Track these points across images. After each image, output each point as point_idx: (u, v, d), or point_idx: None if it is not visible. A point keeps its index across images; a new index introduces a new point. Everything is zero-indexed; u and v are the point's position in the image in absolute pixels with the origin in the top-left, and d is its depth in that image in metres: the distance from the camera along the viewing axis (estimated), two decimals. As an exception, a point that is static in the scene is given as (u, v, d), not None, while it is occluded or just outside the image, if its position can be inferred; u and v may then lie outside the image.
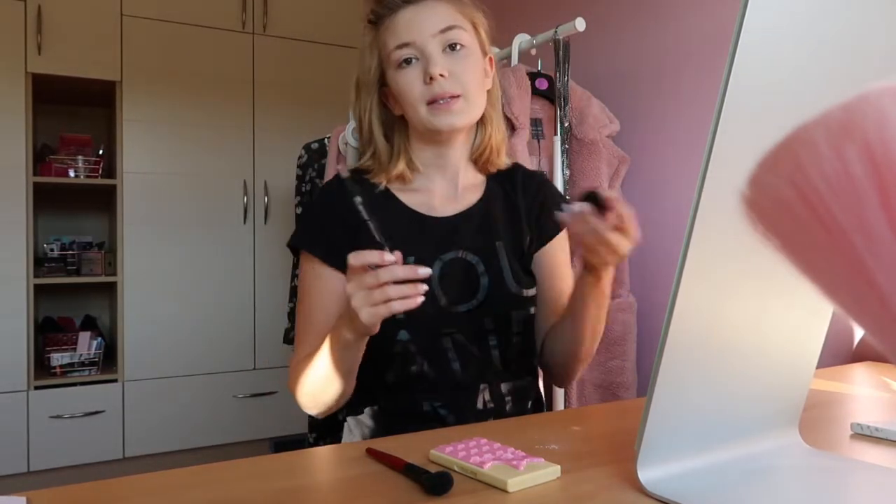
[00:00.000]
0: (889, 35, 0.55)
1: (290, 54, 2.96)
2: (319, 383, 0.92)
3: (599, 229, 0.80)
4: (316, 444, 1.77)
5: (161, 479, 0.67)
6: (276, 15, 2.94)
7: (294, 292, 2.09)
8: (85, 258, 2.76)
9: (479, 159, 1.06)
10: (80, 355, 2.67)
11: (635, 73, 2.01)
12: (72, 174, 2.73)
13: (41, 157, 2.72)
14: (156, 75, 2.73)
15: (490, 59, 1.05)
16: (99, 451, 2.62)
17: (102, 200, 2.99)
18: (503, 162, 1.08)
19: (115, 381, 2.68)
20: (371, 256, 0.76)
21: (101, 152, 2.86)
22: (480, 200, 1.05)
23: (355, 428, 1.03)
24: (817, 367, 0.73)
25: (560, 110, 1.78)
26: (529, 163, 1.74)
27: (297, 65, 2.97)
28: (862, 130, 0.25)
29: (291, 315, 2.13)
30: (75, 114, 3.05)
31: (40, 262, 2.73)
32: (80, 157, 2.75)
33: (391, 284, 0.76)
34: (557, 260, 1.08)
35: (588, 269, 0.90)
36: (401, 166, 1.02)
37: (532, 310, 1.04)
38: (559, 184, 1.76)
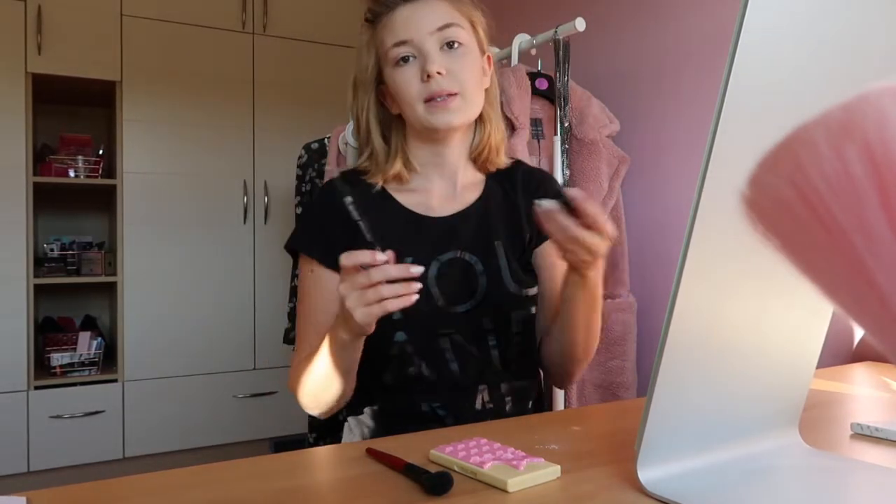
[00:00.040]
0: (889, 35, 0.55)
1: (290, 54, 2.96)
2: (319, 383, 0.92)
3: (568, 228, 0.79)
4: (316, 444, 1.77)
5: (161, 479, 0.67)
6: (276, 15, 2.94)
7: (294, 292, 2.09)
8: (85, 258, 2.76)
9: (478, 158, 1.06)
10: (80, 355, 2.67)
11: (635, 73, 2.01)
12: (72, 174, 2.73)
13: (41, 157, 2.72)
14: (156, 75, 2.73)
15: (488, 57, 1.04)
16: (99, 451, 2.62)
17: (102, 200, 2.99)
18: (503, 161, 1.08)
19: (115, 381, 2.68)
20: (363, 256, 0.76)
21: (101, 152, 2.86)
22: (479, 200, 1.04)
23: (356, 427, 1.03)
24: (817, 367, 0.73)
25: (560, 110, 1.78)
26: (529, 163, 1.74)
27: (297, 65, 2.97)
28: (862, 130, 0.25)
29: (291, 315, 2.14)
30: (75, 114, 3.05)
31: (40, 262, 2.73)
32: (80, 157, 2.75)
33: (384, 284, 0.76)
34: (557, 257, 1.08)
35: (572, 268, 0.89)
36: (397, 166, 1.02)
37: (533, 309, 1.03)
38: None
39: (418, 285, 0.77)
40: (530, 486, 0.62)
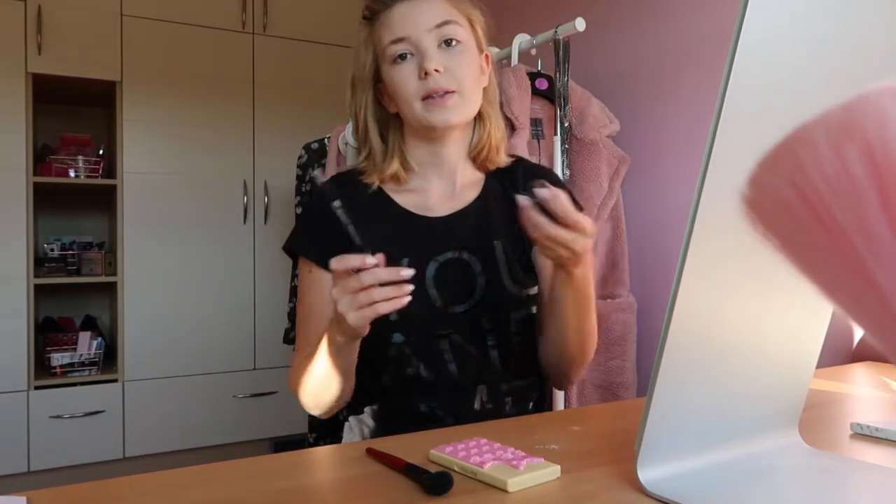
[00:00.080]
0: (889, 35, 0.55)
1: (290, 54, 2.96)
2: (319, 384, 0.92)
3: (542, 225, 0.78)
4: (316, 444, 1.77)
5: (161, 479, 0.67)
6: (276, 15, 2.94)
7: (294, 292, 2.10)
8: (85, 258, 2.76)
9: (477, 157, 1.05)
10: (81, 355, 2.67)
11: (635, 73, 2.01)
12: (72, 174, 2.73)
13: (41, 157, 2.72)
14: (156, 75, 2.73)
15: (486, 56, 1.04)
16: (99, 451, 2.62)
17: (102, 200, 2.99)
18: (503, 160, 1.07)
19: (115, 381, 2.68)
20: (352, 261, 0.76)
21: (101, 152, 2.86)
22: (478, 199, 1.04)
23: (356, 427, 1.03)
24: (817, 367, 0.73)
25: (560, 110, 1.78)
26: (529, 163, 1.74)
27: (297, 65, 2.97)
28: (862, 130, 0.25)
29: (291, 315, 2.14)
30: (75, 114, 3.05)
31: (40, 262, 2.73)
32: (80, 157, 2.75)
33: (376, 287, 0.76)
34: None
35: (558, 266, 0.88)
36: (394, 166, 1.01)
37: (533, 309, 1.03)
38: (559, 184, 1.76)
39: (410, 287, 0.77)
40: (530, 486, 0.62)
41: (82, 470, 2.59)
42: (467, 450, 0.68)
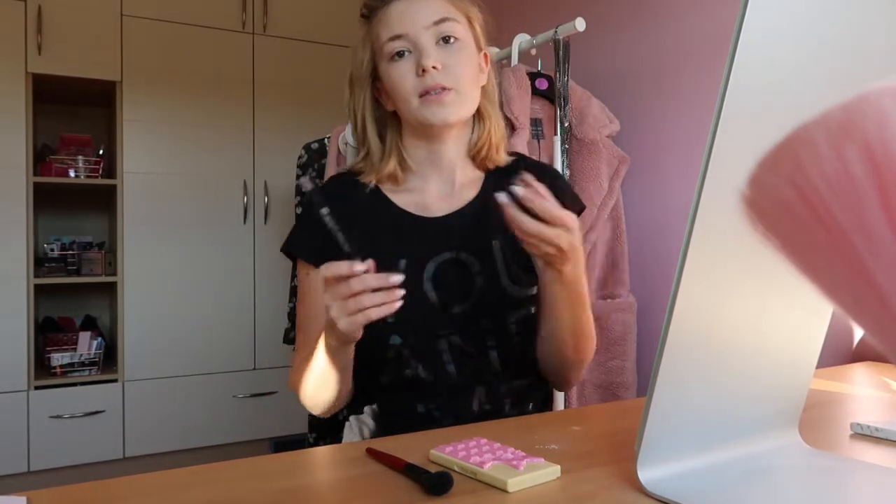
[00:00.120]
0: (889, 35, 0.55)
1: (290, 54, 2.96)
2: (317, 384, 0.92)
3: (522, 222, 0.78)
4: (316, 444, 1.77)
5: (161, 479, 0.67)
6: (276, 15, 2.94)
7: (294, 292, 2.09)
8: (85, 258, 2.76)
9: (477, 156, 1.04)
10: (81, 355, 2.67)
11: (635, 73, 2.01)
12: (72, 174, 2.73)
13: (41, 157, 2.72)
14: (156, 75, 2.73)
15: (485, 54, 1.03)
16: (99, 451, 2.62)
17: (102, 200, 2.99)
18: (503, 158, 1.05)
19: (115, 381, 2.68)
20: (341, 267, 0.76)
21: (101, 152, 2.86)
22: (476, 198, 1.02)
23: (356, 427, 1.03)
24: (817, 367, 0.73)
25: (560, 110, 1.78)
26: (529, 163, 1.74)
27: (297, 65, 2.97)
28: (862, 130, 0.25)
29: (291, 315, 2.14)
30: (75, 114, 3.05)
31: (40, 262, 2.73)
32: (80, 157, 2.75)
33: (366, 293, 0.76)
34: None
35: (547, 265, 0.88)
36: (391, 165, 1.00)
37: (533, 309, 1.03)
38: (559, 184, 1.76)
39: (401, 292, 0.77)
40: (530, 486, 0.62)
41: (82, 470, 2.59)
42: (467, 450, 0.68)
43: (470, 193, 1.03)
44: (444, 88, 0.93)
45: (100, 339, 2.74)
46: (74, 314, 3.01)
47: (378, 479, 0.66)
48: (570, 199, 1.04)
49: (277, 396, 2.88)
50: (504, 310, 0.98)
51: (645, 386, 1.81)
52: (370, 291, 0.76)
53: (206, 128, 2.82)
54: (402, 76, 0.95)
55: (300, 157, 2.21)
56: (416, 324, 0.95)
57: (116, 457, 2.65)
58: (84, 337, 2.70)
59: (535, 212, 0.78)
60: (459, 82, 0.95)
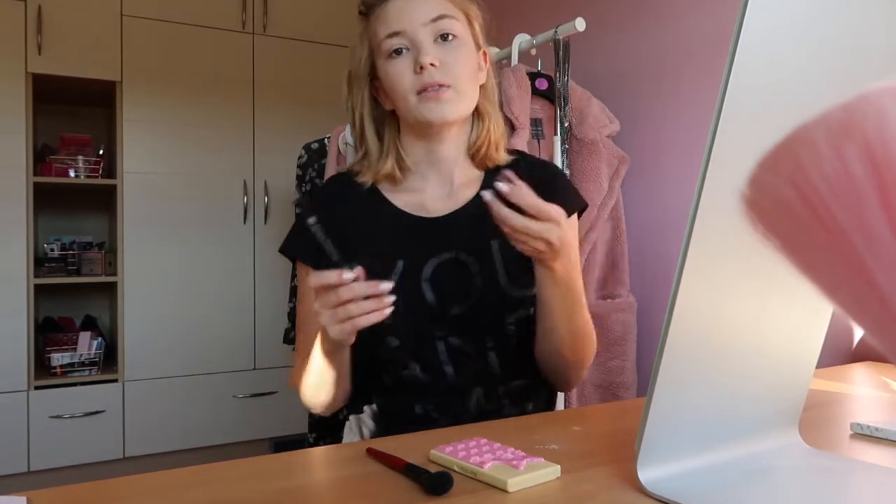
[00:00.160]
0: (889, 35, 0.55)
1: (290, 54, 2.96)
2: (316, 384, 0.93)
3: (507, 218, 0.78)
4: (316, 444, 1.77)
5: (161, 479, 0.67)
6: (276, 15, 2.94)
7: (294, 292, 2.10)
8: (85, 258, 2.76)
9: (476, 155, 1.03)
10: (81, 355, 2.67)
11: (635, 73, 2.01)
12: (72, 174, 2.73)
13: (41, 157, 2.72)
14: (156, 75, 2.73)
15: (484, 53, 1.02)
16: (99, 451, 2.62)
17: (102, 200, 2.99)
18: (502, 157, 1.04)
19: (115, 381, 2.68)
20: (329, 277, 0.76)
21: (101, 152, 2.86)
22: (475, 197, 1.01)
23: (356, 427, 1.03)
24: (817, 367, 0.73)
25: (560, 110, 1.78)
26: (529, 163, 1.74)
27: (297, 65, 2.97)
28: (862, 130, 0.25)
29: (291, 315, 2.14)
30: (75, 114, 3.05)
31: (40, 262, 2.73)
32: (80, 157, 2.75)
33: (357, 301, 0.76)
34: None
35: (538, 262, 0.87)
36: (389, 164, 0.99)
37: (532, 310, 1.02)
38: (559, 184, 1.76)
39: (391, 299, 0.77)
40: (530, 486, 0.62)
41: (82, 470, 2.59)
42: (467, 450, 0.68)
43: (469, 193, 1.02)
44: (441, 86, 0.92)
45: (100, 339, 2.74)
46: (74, 314, 3.01)
47: (378, 479, 0.66)
48: (572, 196, 1.04)
49: (277, 396, 2.88)
50: (503, 310, 0.98)
51: (645, 386, 1.81)
52: (360, 299, 0.76)
53: (206, 128, 2.82)
54: (399, 73, 0.94)
55: (300, 157, 2.21)
56: (414, 324, 0.95)
57: (116, 457, 2.65)
58: (84, 337, 2.70)
59: (522, 208, 0.78)
60: (457, 80, 0.94)
